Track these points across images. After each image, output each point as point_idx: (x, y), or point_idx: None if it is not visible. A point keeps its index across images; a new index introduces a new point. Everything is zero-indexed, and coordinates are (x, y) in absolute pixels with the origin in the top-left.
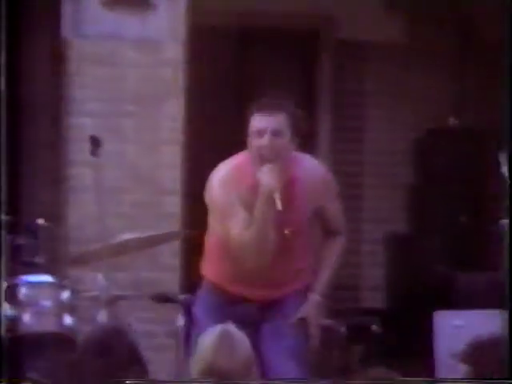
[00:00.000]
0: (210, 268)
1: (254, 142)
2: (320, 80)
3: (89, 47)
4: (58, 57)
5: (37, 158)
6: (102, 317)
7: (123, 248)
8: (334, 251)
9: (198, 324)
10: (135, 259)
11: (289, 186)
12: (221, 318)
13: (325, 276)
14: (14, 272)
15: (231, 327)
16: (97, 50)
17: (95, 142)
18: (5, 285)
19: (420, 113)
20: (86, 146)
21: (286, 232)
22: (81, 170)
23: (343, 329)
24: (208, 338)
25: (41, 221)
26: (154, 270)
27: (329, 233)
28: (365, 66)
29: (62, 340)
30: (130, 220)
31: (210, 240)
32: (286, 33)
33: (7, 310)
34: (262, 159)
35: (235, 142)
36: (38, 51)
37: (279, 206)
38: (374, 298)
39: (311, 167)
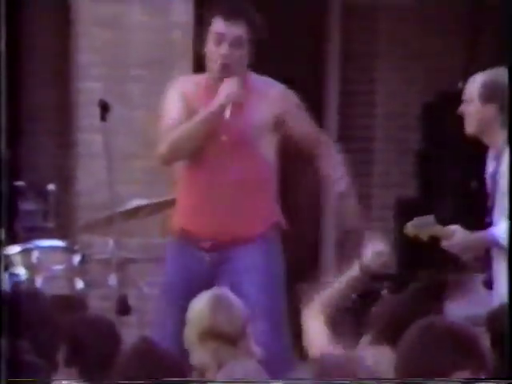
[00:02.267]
0: (175, 212)
1: (212, 49)
2: (328, 42)
3: (96, 10)
4: (64, 20)
5: (46, 123)
6: (113, 280)
7: (134, 214)
8: (326, 153)
9: (165, 271)
10: (145, 225)
11: (243, 97)
12: (181, 263)
13: (336, 171)
14: (25, 237)
15: (224, 290)
16: (104, 13)
17: (104, 107)
18: (17, 249)
19: (431, 76)
20: (95, 111)
21: (224, 139)
22: (90, 135)
23: (353, 294)
24: (202, 302)
25: (51, 186)
26: (164, 235)
27: (312, 146)
28: (375, 27)
29: (73, 303)
30: (140, 186)
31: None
32: None
33: (21, 273)
34: (220, 69)
35: None
36: (45, 15)
37: (227, 114)
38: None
39: (269, 82)
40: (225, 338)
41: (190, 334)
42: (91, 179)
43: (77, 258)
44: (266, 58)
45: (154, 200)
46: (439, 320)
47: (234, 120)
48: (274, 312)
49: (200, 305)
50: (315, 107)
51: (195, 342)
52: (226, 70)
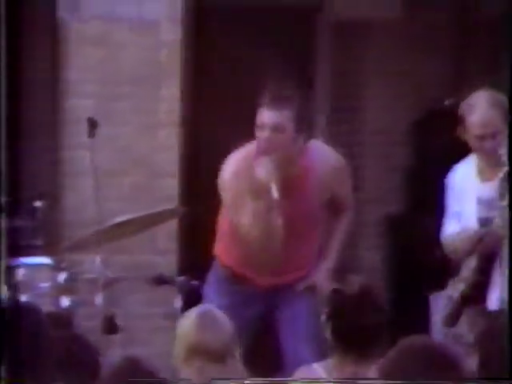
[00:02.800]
0: (221, 249)
1: (257, 135)
2: (317, 59)
3: (85, 28)
4: (54, 38)
5: (34, 140)
6: (100, 299)
7: (119, 231)
8: (343, 225)
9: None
10: (132, 242)
11: (299, 176)
12: (229, 299)
13: (333, 246)
14: (12, 254)
15: (212, 307)
16: (93, 32)
17: (92, 124)
18: (3, 266)
19: (419, 93)
20: (83, 128)
21: (279, 223)
22: (78, 152)
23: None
24: (190, 319)
25: (38, 203)
26: (151, 253)
27: (339, 210)
28: (364, 44)
29: (59, 321)
30: (127, 203)
31: (223, 223)
32: (285, 11)
33: (5, 292)
34: (260, 153)
35: (233, 124)
36: (35, 33)
37: (275, 195)
38: (371, 280)
39: (323, 157)
40: (211, 355)
41: (177, 350)
42: (79, 196)
43: (63, 276)
44: (255, 74)
45: (138, 215)
46: (419, 339)
47: (299, 196)
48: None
49: (187, 322)
50: (305, 123)
51: (182, 359)
52: (265, 153)
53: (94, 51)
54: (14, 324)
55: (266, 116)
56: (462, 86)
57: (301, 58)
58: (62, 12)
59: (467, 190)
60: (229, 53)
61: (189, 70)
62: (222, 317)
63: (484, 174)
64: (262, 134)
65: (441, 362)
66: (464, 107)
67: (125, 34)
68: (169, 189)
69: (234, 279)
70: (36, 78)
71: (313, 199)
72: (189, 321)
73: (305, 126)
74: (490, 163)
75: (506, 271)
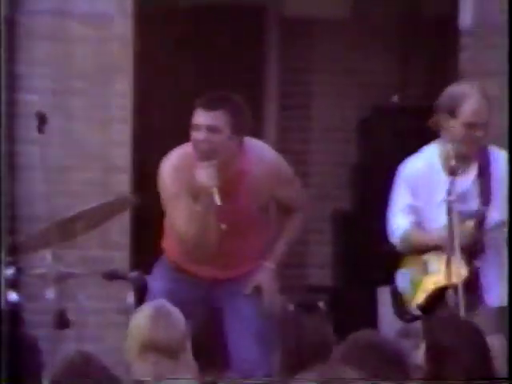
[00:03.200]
0: (168, 244)
1: (193, 136)
2: (266, 57)
3: (35, 23)
4: (3, 32)
5: None
6: (50, 294)
7: (71, 228)
8: (291, 225)
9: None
10: (84, 237)
11: (235, 180)
12: (174, 285)
13: (279, 247)
14: None
15: (166, 303)
16: (43, 26)
17: (41, 119)
18: None
19: (366, 90)
20: (33, 123)
21: (223, 227)
22: (28, 147)
23: (291, 306)
24: (142, 315)
25: None
26: (103, 248)
27: (287, 211)
28: (311, 42)
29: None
30: (78, 198)
31: (168, 219)
32: (232, 9)
33: None
34: (198, 153)
35: (184, 120)
36: None
37: (218, 201)
38: (320, 276)
39: (259, 159)
40: (164, 350)
41: (130, 346)
42: (28, 191)
43: (10, 271)
44: (205, 71)
45: (90, 206)
46: (363, 335)
47: (235, 200)
48: (267, 335)
49: (140, 317)
50: (254, 120)
51: (135, 355)
52: (203, 155)
53: (45, 45)
54: None
55: (202, 117)
56: (408, 84)
57: (249, 55)
58: (12, 6)
59: (431, 183)
60: (178, 48)
61: (141, 64)
62: (176, 313)
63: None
64: (197, 135)
65: (387, 357)
66: (450, 96)
67: (76, 27)
68: (121, 184)
69: (180, 271)
70: None
71: (250, 202)
72: (142, 316)
73: (241, 128)
74: (468, 154)
75: (506, 271)
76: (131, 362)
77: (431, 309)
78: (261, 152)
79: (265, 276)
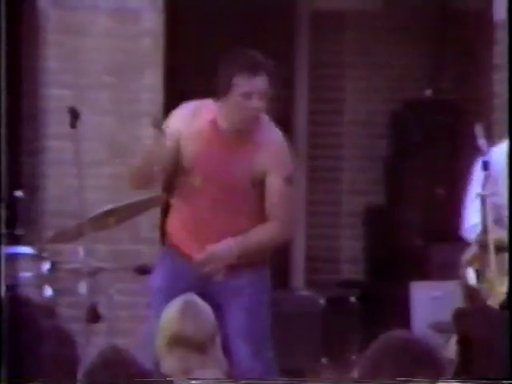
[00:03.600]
0: (171, 227)
1: (244, 105)
2: (297, 51)
3: (66, 17)
4: (34, 27)
5: (15, 129)
6: (83, 288)
7: (103, 222)
8: (259, 228)
9: (153, 279)
10: (115, 232)
11: (247, 150)
12: (173, 277)
13: (247, 236)
14: None
15: (194, 297)
16: (74, 20)
17: (74, 114)
18: None
19: (397, 84)
20: (65, 118)
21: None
22: (59, 142)
23: (322, 300)
24: (172, 309)
25: (19, 193)
26: (134, 243)
27: (263, 215)
28: (341, 36)
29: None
30: (109, 193)
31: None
32: (263, 3)
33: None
34: (253, 121)
35: None
36: (15, 21)
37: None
38: (352, 270)
39: (273, 135)
40: (193, 345)
41: (160, 340)
42: (60, 186)
43: (46, 266)
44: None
45: (122, 203)
46: (396, 334)
47: (226, 166)
48: (259, 336)
49: (170, 311)
50: (285, 115)
51: (164, 349)
52: (255, 122)
53: (75, 40)
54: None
55: (256, 83)
56: (439, 78)
57: (280, 48)
58: (43, 1)
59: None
60: (209, 42)
61: (171, 58)
62: (205, 308)
63: None
64: (250, 103)
65: (418, 357)
66: None
67: (106, 22)
68: None
69: (175, 253)
70: (16, 67)
71: (245, 165)
72: (172, 310)
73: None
74: None
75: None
76: (161, 357)
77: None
78: (274, 129)
79: (221, 247)
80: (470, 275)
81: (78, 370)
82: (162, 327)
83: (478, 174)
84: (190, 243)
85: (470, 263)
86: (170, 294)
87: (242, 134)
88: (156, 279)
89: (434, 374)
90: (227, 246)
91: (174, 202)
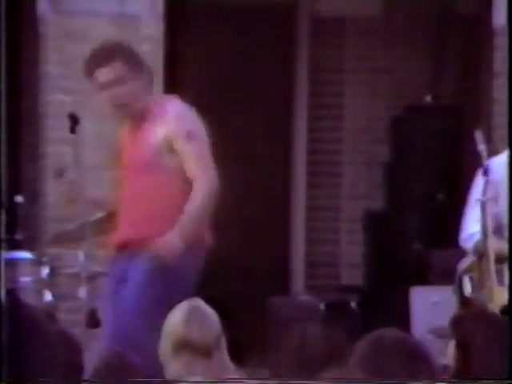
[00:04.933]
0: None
1: (104, 96)
2: (297, 56)
3: (66, 23)
4: (34, 33)
5: (15, 135)
6: (82, 293)
7: (103, 227)
8: (191, 196)
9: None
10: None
11: (141, 120)
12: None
13: (180, 220)
14: None
15: (199, 301)
16: (74, 27)
17: (74, 119)
18: None
19: (398, 90)
20: (65, 124)
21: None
22: (59, 147)
23: (322, 305)
24: (177, 314)
25: (19, 198)
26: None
27: (192, 181)
28: (342, 41)
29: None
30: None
31: None
32: (263, 9)
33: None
34: (115, 110)
35: (214, 119)
36: (15, 27)
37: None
38: (352, 275)
39: (171, 104)
40: (198, 350)
41: (165, 346)
42: (60, 191)
43: (45, 271)
44: (235, 71)
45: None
46: (386, 333)
47: (134, 146)
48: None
49: (174, 316)
50: (285, 120)
51: (169, 355)
52: (118, 109)
53: (75, 46)
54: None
55: (97, 76)
56: (440, 84)
57: (280, 54)
58: (43, 7)
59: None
60: (210, 48)
61: (171, 64)
62: (211, 312)
63: None
64: (104, 95)
65: (410, 356)
66: None
67: (106, 28)
68: None
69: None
70: (16, 72)
71: (147, 143)
72: (177, 316)
73: (137, 68)
74: None
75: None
76: (165, 362)
77: None
78: (179, 102)
79: (162, 243)
80: (466, 284)
81: (79, 374)
82: (167, 332)
83: (478, 182)
84: (115, 230)
85: (466, 272)
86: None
87: (134, 117)
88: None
89: (427, 373)
90: (170, 241)
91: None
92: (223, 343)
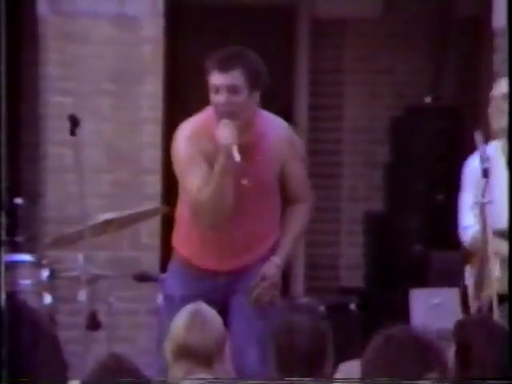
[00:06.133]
0: (179, 240)
1: (212, 99)
2: (297, 58)
3: (66, 24)
4: (34, 34)
5: (15, 136)
6: (82, 296)
7: (103, 229)
8: (296, 217)
9: (171, 299)
10: (115, 239)
11: (253, 141)
12: (192, 292)
13: (286, 241)
14: None
15: (203, 306)
16: (74, 27)
17: (74, 121)
18: None
19: (398, 91)
20: (65, 125)
21: (245, 183)
22: (60, 149)
23: (322, 307)
24: (179, 318)
25: (19, 200)
26: (134, 250)
27: (292, 201)
28: (342, 43)
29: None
30: (109, 200)
31: (180, 208)
32: (263, 10)
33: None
34: (220, 116)
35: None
36: (15, 28)
37: (237, 157)
38: (352, 277)
39: (277, 125)
40: (198, 357)
41: (167, 350)
42: (60, 193)
43: (45, 273)
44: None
45: (123, 213)
46: (398, 330)
47: (251, 164)
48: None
49: (178, 321)
50: (285, 121)
51: (171, 360)
52: (224, 117)
53: (75, 47)
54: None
55: (220, 78)
56: (440, 85)
57: (280, 55)
58: (42, 7)
59: (495, 180)
60: (209, 48)
61: (171, 65)
62: (213, 319)
63: None
64: (218, 98)
65: (420, 348)
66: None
67: (106, 30)
68: (151, 186)
69: (193, 270)
70: (16, 73)
71: (265, 168)
72: (179, 320)
73: (259, 84)
74: None
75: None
76: (169, 366)
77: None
78: (278, 120)
79: (270, 269)
80: (467, 275)
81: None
82: (170, 336)
83: (466, 173)
84: (211, 256)
85: (468, 262)
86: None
87: (241, 130)
88: (174, 287)
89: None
90: (274, 266)
91: (184, 213)
92: (226, 351)
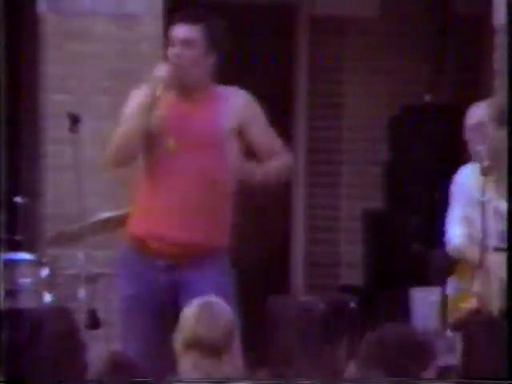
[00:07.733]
0: (135, 222)
1: (168, 53)
2: (296, 56)
3: (65, 22)
4: (34, 32)
5: (15, 134)
6: (82, 294)
7: (102, 226)
8: (276, 160)
9: (121, 285)
10: (115, 237)
11: (207, 100)
12: (140, 278)
13: (267, 165)
14: None
15: (212, 298)
16: (74, 26)
17: (73, 119)
18: None
19: (396, 89)
20: (64, 123)
21: (172, 143)
22: (59, 147)
23: (321, 305)
24: (188, 310)
25: (19, 198)
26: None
27: (267, 158)
28: (341, 41)
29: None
30: (108, 198)
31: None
32: (263, 9)
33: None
34: (174, 68)
35: None
36: (14, 26)
37: (159, 91)
38: (351, 275)
39: (236, 92)
40: (207, 349)
41: (176, 341)
42: (60, 191)
43: (45, 271)
44: (234, 70)
45: (122, 212)
46: (390, 328)
47: (198, 122)
48: None
49: (187, 312)
50: (284, 120)
51: (180, 351)
52: (177, 70)
53: (75, 45)
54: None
55: (178, 31)
56: (439, 83)
57: (279, 53)
58: (42, 6)
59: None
60: None
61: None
62: (223, 309)
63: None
64: (171, 50)
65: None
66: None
67: (105, 28)
68: None
69: (144, 254)
70: (16, 72)
71: (216, 123)
72: (188, 312)
73: (216, 45)
74: None
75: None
76: (178, 358)
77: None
78: (235, 88)
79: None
80: (449, 285)
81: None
82: (179, 328)
83: (456, 181)
84: (168, 219)
85: (451, 272)
86: (138, 302)
87: (195, 88)
88: (124, 286)
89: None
90: (253, 167)
91: (146, 180)
92: (235, 344)
